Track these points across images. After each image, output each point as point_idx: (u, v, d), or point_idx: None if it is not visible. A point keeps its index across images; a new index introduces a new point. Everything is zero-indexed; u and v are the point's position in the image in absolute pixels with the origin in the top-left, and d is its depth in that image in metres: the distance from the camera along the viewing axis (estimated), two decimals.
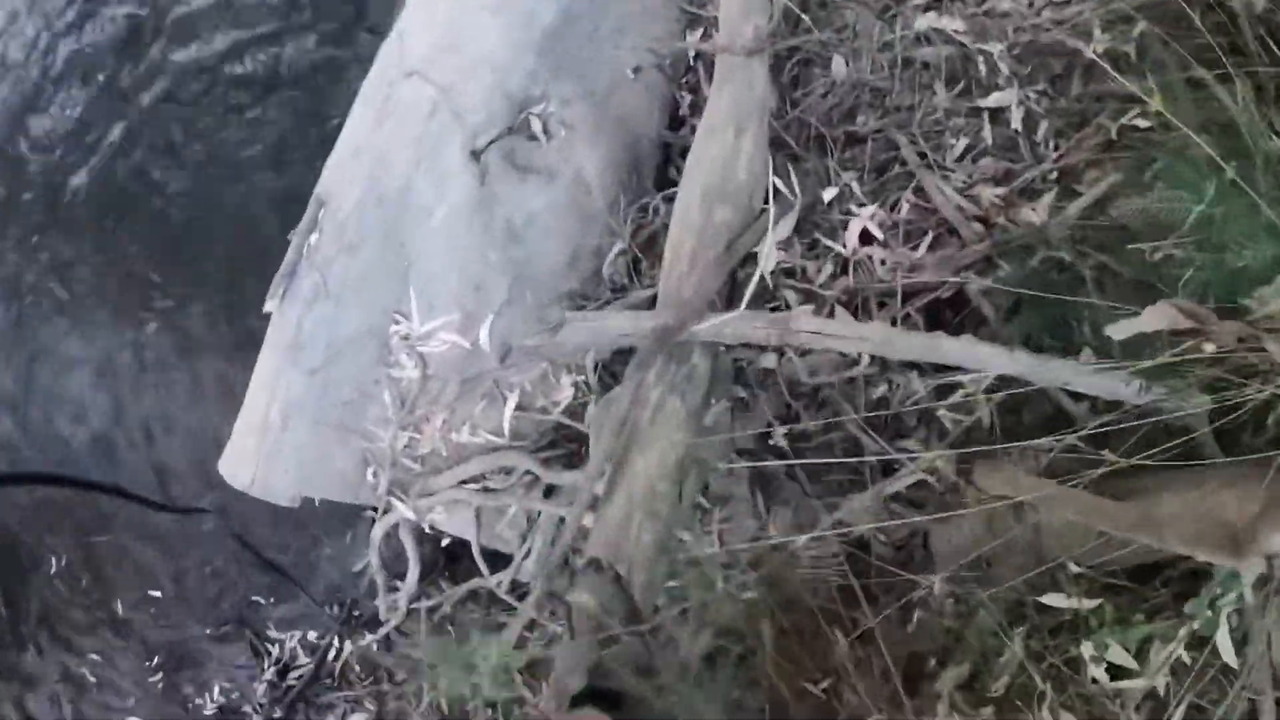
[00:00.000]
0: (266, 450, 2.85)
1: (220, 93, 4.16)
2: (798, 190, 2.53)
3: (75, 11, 4.48)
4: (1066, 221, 2.57)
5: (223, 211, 3.96)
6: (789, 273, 2.57)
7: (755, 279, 2.28)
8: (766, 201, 2.48)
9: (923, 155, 2.74)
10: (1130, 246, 2.23)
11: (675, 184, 2.77)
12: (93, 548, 3.83)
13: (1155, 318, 1.83)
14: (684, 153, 3.03)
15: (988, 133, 2.79)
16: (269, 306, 2.95)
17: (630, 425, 2.20)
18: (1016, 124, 2.77)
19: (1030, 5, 3.02)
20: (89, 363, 3.92)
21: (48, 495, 3.89)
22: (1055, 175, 2.70)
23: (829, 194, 2.65)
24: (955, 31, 2.94)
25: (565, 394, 2.77)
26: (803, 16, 2.90)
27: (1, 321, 4.07)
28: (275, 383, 2.87)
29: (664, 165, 3.07)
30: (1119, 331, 1.87)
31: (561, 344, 2.47)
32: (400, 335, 2.84)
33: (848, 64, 2.91)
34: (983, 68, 2.89)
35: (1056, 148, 2.74)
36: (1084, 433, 2.05)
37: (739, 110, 2.53)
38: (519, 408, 2.78)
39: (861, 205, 2.62)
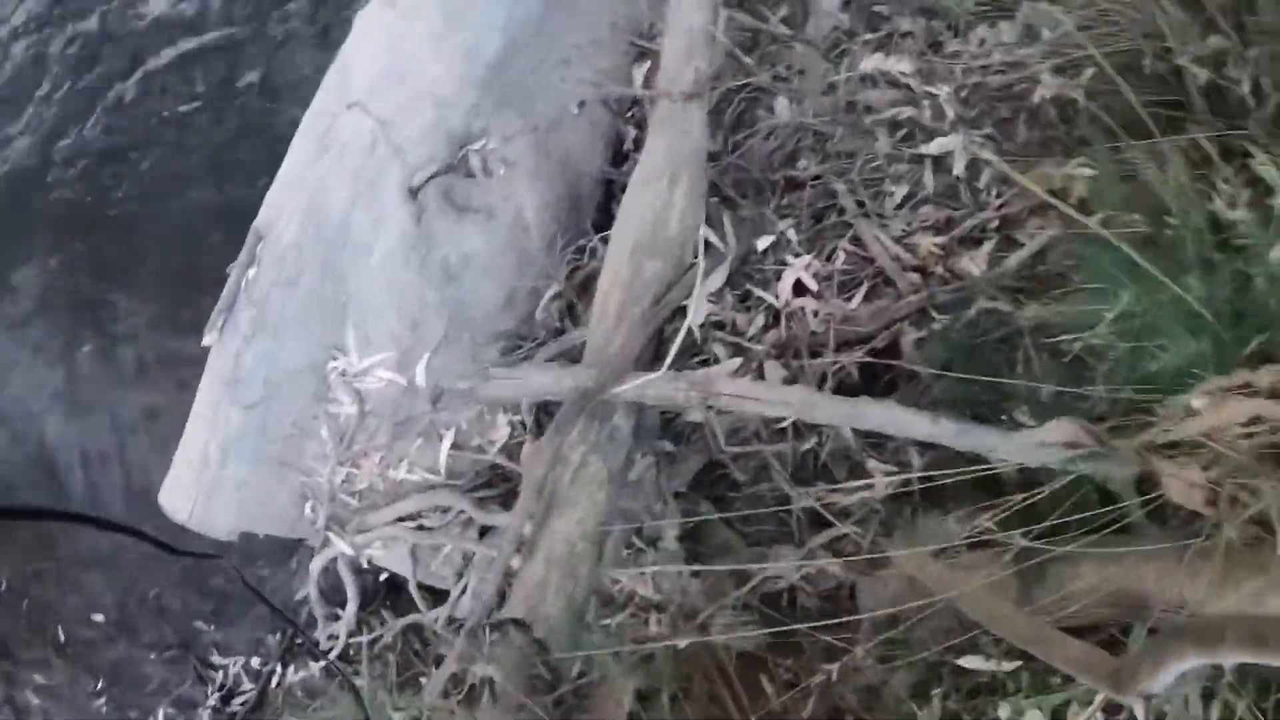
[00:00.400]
0: (205, 485, 2.91)
1: (170, 103, 4.20)
2: (731, 241, 2.60)
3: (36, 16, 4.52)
4: (1005, 273, 2.62)
5: (168, 222, 4.01)
6: (719, 325, 2.62)
7: (682, 334, 2.35)
8: (698, 252, 2.53)
9: (861, 203, 2.78)
10: (1048, 340, 2.29)
11: (614, 220, 2.83)
12: (35, 573, 3.90)
13: (1057, 433, 1.91)
14: (624, 188, 3.10)
15: (929, 180, 2.83)
16: (207, 340, 3.00)
17: (551, 485, 2.27)
18: (959, 170, 2.80)
19: (981, 45, 3.06)
20: (30, 382, 3.96)
21: None
22: (996, 224, 2.74)
23: (764, 243, 2.69)
24: (902, 74, 2.99)
25: (501, 433, 2.83)
26: (745, 60, 2.94)
27: None
28: (214, 417, 2.93)
29: (605, 202, 3.11)
30: (1018, 446, 1.95)
31: (488, 394, 2.54)
32: (338, 371, 2.90)
33: (791, 105, 2.95)
34: (928, 112, 2.92)
35: (999, 195, 2.77)
36: (1005, 507, 2.12)
37: (674, 159, 2.58)
38: (455, 446, 2.84)
39: (797, 255, 2.67)
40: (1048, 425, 1.97)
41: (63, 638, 3.81)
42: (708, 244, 2.56)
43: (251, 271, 2.96)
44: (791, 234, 2.73)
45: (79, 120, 4.36)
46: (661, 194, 2.55)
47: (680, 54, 2.75)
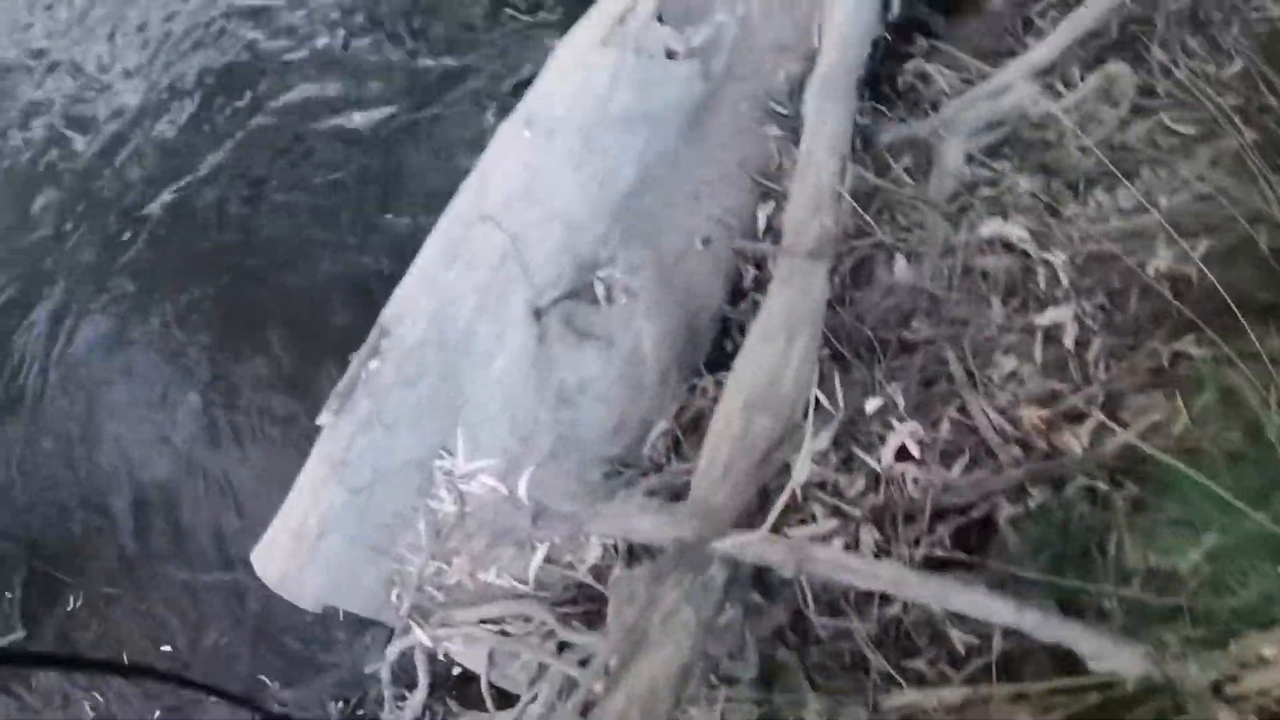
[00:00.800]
0: (299, 554, 3.09)
1: (318, 171, 4.52)
2: (841, 402, 2.74)
3: (196, 35, 4.85)
4: (1105, 454, 2.72)
5: (296, 288, 4.31)
6: (820, 484, 2.75)
7: (785, 495, 2.49)
8: (808, 412, 2.68)
9: (970, 373, 2.88)
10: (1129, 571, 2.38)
11: (730, 358, 2.99)
12: (111, 597, 4.12)
13: (1130, 665, 2.02)
14: (742, 328, 3.26)
15: (1038, 351, 2.91)
16: (323, 420, 3.21)
17: (641, 625, 2.43)
18: (1069, 342, 2.88)
19: (1099, 209, 3.17)
20: (138, 417, 4.25)
21: (83, 534, 4.19)
22: (1101, 400, 2.79)
23: (872, 405, 2.81)
24: (1020, 239, 3.11)
25: (593, 553, 2.96)
26: (867, 219, 3.10)
27: (75, 349, 4.48)
28: (318, 493, 3.12)
29: (720, 338, 3.25)
30: (1097, 648, 2.06)
31: (591, 526, 2.72)
32: (444, 470, 3.08)
33: (910, 266, 3.10)
34: (1042, 280, 3.03)
35: (1107, 368, 2.84)
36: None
37: (793, 317, 2.74)
38: (547, 559, 2.99)
39: (902, 420, 2.79)
40: (1122, 652, 2.07)
41: (127, 661, 3.97)
42: (818, 403, 2.69)
43: (374, 364, 3.16)
44: (899, 398, 2.82)
45: (226, 173, 4.66)
46: (778, 352, 2.70)
47: (807, 208, 2.92)
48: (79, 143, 5.16)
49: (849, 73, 3.34)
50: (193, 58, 5.20)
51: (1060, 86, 3.61)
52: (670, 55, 3.22)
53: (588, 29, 3.56)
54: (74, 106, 5.30)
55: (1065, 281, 3.00)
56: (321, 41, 4.96)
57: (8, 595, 4.20)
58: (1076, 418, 2.80)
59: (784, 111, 3.52)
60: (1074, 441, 2.74)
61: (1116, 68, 3.42)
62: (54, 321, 4.65)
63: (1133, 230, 3.04)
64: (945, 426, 2.83)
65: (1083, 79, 3.55)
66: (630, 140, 3.17)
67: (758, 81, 3.49)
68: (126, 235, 4.73)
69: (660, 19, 3.30)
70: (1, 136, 5.35)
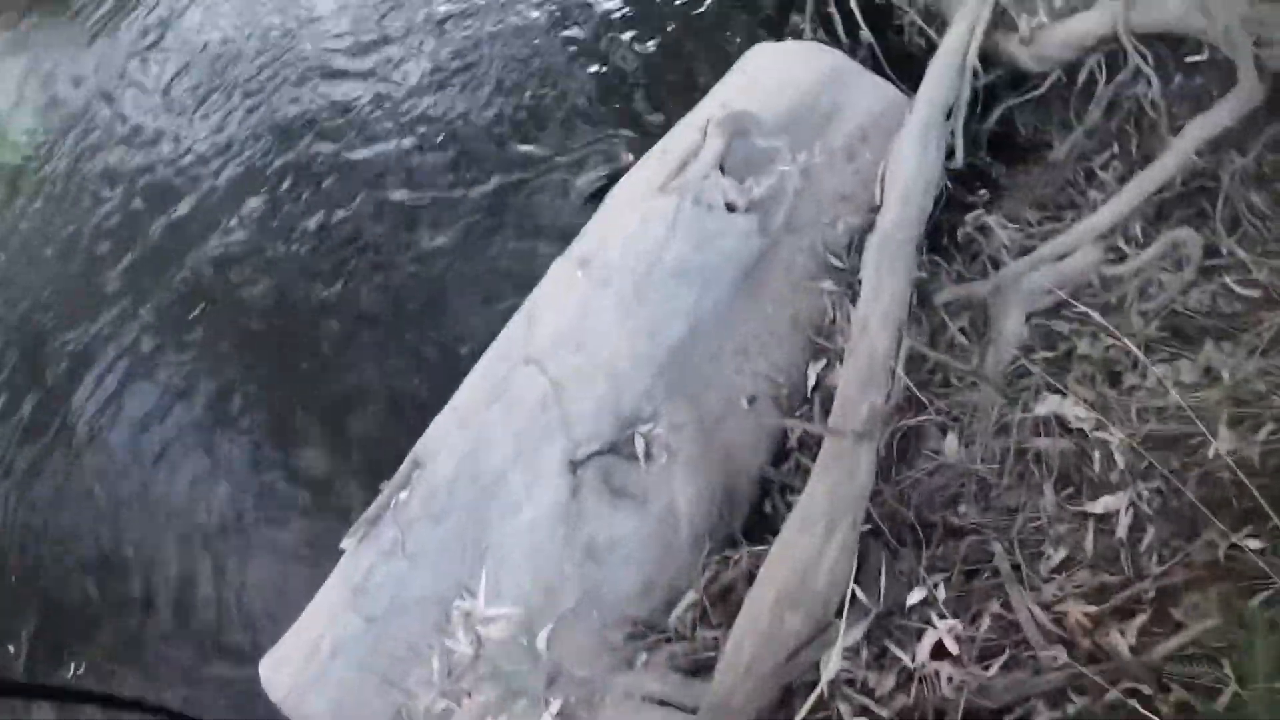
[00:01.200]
0: (308, 674, 3.06)
1: (369, 249, 4.66)
2: (882, 596, 2.68)
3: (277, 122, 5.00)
4: (1153, 658, 2.62)
5: (363, 382, 4.36)
6: (849, 681, 2.68)
7: (813, 698, 2.43)
8: (843, 609, 2.62)
9: (1016, 567, 2.82)
10: None
11: (769, 521, 2.94)
12: (114, 671, 4.11)
13: None
14: (783, 489, 3.22)
15: (1089, 542, 2.81)
16: (346, 545, 3.20)
17: None
18: (1122, 532, 2.78)
19: (1159, 383, 3.08)
20: (168, 497, 4.30)
21: (97, 598, 4.21)
22: (1152, 595, 2.67)
23: (913, 598, 2.74)
24: (1077, 418, 3.04)
25: (607, 717, 2.93)
26: (920, 395, 3.05)
27: (121, 417, 4.55)
28: (334, 616, 3.10)
29: (760, 500, 3.22)
30: None
31: (605, 692, 2.66)
32: (463, 610, 3.05)
33: (960, 447, 3.04)
34: (1098, 462, 2.94)
35: (1160, 559, 2.73)
36: None
37: (834, 506, 2.67)
38: (558, 714, 2.96)
39: (942, 616, 2.71)
40: None
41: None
42: (853, 596, 2.63)
43: (403, 494, 3.15)
44: (941, 591, 2.75)
45: (287, 263, 4.78)
46: (815, 544, 2.64)
47: (857, 385, 2.87)
48: (150, 214, 5.24)
49: (910, 233, 3.30)
50: (272, 145, 5.30)
51: (1123, 244, 3.54)
52: (730, 207, 3.20)
53: (644, 173, 3.56)
54: (147, 177, 5.40)
55: (1122, 463, 2.91)
56: (402, 144, 5.02)
57: (10, 648, 4.19)
58: (1126, 614, 2.67)
59: (841, 265, 3.50)
60: (1121, 642, 2.61)
61: (1183, 233, 3.37)
62: (106, 385, 4.74)
63: (1194, 407, 2.92)
64: (985, 622, 2.74)
65: (1146, 237, 3.51)
66: (683, 293, 3.15)
67: (816, 233, 3.47)
68: (184, 311, 4.79)
69: (723, 169, 3.26)
70: (79, 198, 5.44)
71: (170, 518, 4.27)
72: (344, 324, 4.53)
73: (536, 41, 5.33)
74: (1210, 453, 2.77)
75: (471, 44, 5.45)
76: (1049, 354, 3.37)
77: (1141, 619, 2.62)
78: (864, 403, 2.84)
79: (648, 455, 3.03)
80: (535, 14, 5.45)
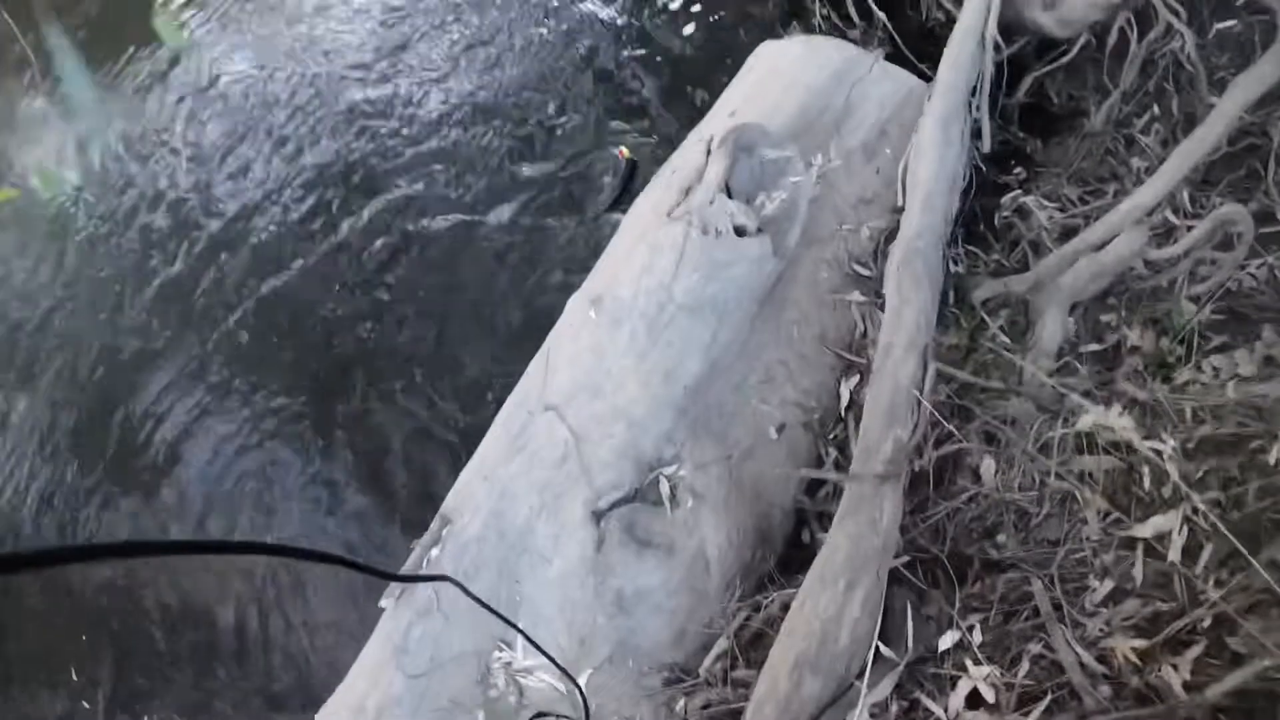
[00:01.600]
0: None
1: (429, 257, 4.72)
2: (910, 643, 2.59)
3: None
4: (1209, 696, 2.49)
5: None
6: None
7: None
8: (865, 670, 2.52)
9: (1058, 605, 2.68)
10: None
11: (807, 551, 2.86)
12: None
13: None
14: (819, 517, 3.13)
15: (1139, 569, 2.64)
16: (384, 604, 3.22)
17: None
18: (1175, 555, 2.59)
19: (1215, 376, 2.93)
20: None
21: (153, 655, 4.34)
22: (1208, 624, 2.51)
23: (946, 642, 2.63)
24: (1123, 429, 2.88)
25: None
26: (949, 427, 2.92)
27: (181, 454, 4.66)
28: (377, 675, 3.13)
29: (796, 532, 3.15)
30: None
31: None
32: (502, 662, 3.06)
33: (997, 473, 2.90)
34: (1147, 479, 2.77)
35: (1218, 583, 2.56)
36: None
37: (856, 557, 2.58)
38: None
39: (978, 662, 2.60)
40: None
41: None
42: (878, 652, 2.55)
43: (435, 552, 3.15)
44: (976, 634, 2.65)
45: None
46: (836, 601, 2.55)
47: (880, 419, 2.77)
48: (194, 268, 5.33)
49: (934, 239, 3.17)
50: (305, 190, 5.36)
51: (1171, 215, 3.36)
52: (740, 231, 3.07)
53: (653, 198, 3.46)
54: (189, 231, 5.47)
55: (1175, 473, 2.69)
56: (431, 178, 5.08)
57: (86, 704, 4.32)
58: (1179, 647, 2.51)
59: (868, 274, 3.37)
60: (1174, 678, 2.45)
61: (1231, 209, 3.15)
62: (165, 435, 4.84)
63: (1253, 404, 2.77)
64: (1025, 666, 2.63)
65: (1195, 206, 3.37)
66: (697, 329, 3.06)
67: (838, 243, 3.37)
68: (234, 361, 4.90)
69: (729, 189, 3.14)
70: (124, 253, 5.53)
71: (228, 566, 4.33)
72: (389, 363, 4.59)
73: (551, 62, 5.32)
74: (1272, 457, 2.59)
75: (488, 67, 5.44)
76: (1097, 346, 3.20)
77: (1196, 651, 2.45)
78: (887, 439, 2.73)
79: (673, 499, 2.98)
80: (546, 32, 5.45)
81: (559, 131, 5.00)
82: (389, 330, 4.63)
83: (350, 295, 4.77)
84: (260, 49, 5.90)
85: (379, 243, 4.89)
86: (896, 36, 4.30)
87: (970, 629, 2.65)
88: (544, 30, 5.50)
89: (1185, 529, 2.61)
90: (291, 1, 6.07)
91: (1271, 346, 2.92)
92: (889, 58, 3.94)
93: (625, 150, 4.63)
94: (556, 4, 5.56)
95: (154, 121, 5.78)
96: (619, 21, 5.38)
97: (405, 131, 5.28)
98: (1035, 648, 2.60)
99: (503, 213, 4.78)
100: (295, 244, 5.01)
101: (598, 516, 2.95)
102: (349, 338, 4.66)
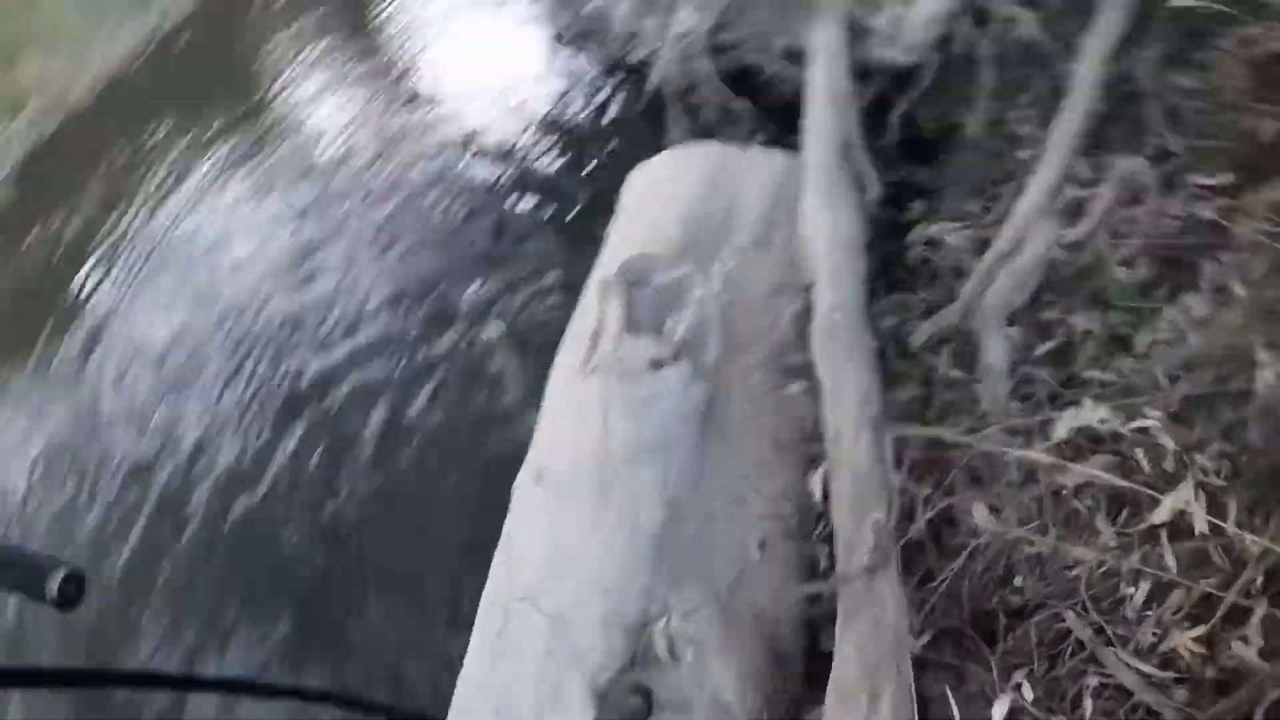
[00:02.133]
0: None
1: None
2: None
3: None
4: None
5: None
6: None
7: None
8: None
9: (1099, 628, 2.52)
10: None
11: (828, 660, 2.70)
12: None
13: None
14: (832, 617, 2.97)
15: (1170, 559, 2.47)
16: None
17: None
18: (1201, 525, 2.43)
19: (1173, 328, 2.86)
20: None
21: None
22: (1261, 580, 2.32)
23: (998, 713, 2.45)
24: (1102, 421, 2.76)
25: None
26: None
27: None
28: None
29: (813, 640, 2.98)
30: None
31: None
32: None
33: (991, 515, 2.76)
34: (1146, 459, 2.63)
35: (1256, 529, 2.37)
36: None
37: (870, 664, 2.43)
38: None
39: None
40: None
41: None
42: None
43: None
44: (1027, 690, 2.47)
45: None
46: (861, 714, 2.39)
47: (852, 511, 2.66)
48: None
49: (852, 310, 3.09)
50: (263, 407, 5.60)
51: (1079, 189, 3.32)
52: (656, 365, 2.99)
53: (568, 355, 3.40)
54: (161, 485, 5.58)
55: (1170, 444, 2.59)
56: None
57: None
58: (1242, 615, 2.32)
59: (800, 361, 3.28)
60: (1247, 651, 2.26)
61: (1127, 163, 3.19)
62: None
63: (1222, 342, 2.70)
64: (1089, 704, 2.45)
65: (1096, 171, 3.30)
66: (644, 477, 2.96)
67: (763, 343, 3.27)
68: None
69: (632, 329, 3.08)
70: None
71: None
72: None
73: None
74: (1259, 385, 2.50)
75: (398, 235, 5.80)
76: (1049, 345, 3.14)
77: (1260, 613, 2.27)
78: (864, 527, 2.60)
79: (672, 654, 2.82)
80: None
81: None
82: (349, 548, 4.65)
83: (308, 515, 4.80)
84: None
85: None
86: (763, 119, 4.32)
87: (1018, 687, 2.49)
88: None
89: (1202, 495, 2.46)
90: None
91: (1218, 276, 2.85)
92: (769, 140, 3.93)
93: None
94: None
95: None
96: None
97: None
98: (1092, 681, 2.44)
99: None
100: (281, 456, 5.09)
101: (602, 694, 2.79)
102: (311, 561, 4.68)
